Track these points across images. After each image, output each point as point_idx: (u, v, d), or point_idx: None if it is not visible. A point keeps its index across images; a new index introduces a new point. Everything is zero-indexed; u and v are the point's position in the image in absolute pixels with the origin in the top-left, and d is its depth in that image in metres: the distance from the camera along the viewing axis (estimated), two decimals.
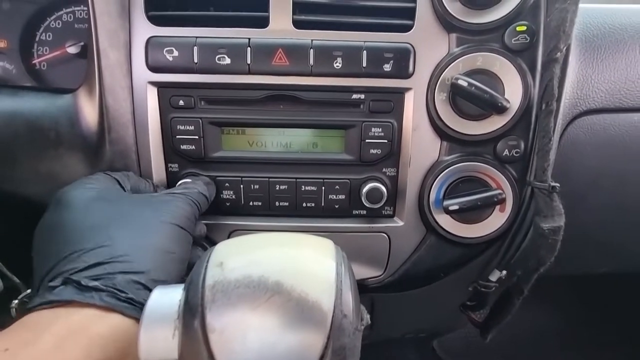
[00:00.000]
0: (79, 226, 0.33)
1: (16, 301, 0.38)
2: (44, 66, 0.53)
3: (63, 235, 0.33)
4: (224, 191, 0.47)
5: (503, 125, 0.44)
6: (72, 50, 0.51)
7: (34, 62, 0.53)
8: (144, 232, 0.34)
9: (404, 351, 0.83)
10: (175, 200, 0.38)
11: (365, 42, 0.43)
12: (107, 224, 0.33)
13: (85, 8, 0.52)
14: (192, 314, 0.19)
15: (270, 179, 0.47)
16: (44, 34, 0.53)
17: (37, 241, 0.35)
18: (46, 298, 0.29)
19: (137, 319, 0.27)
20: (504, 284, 0.52)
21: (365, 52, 0.43)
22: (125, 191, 0.40)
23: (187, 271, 0.36)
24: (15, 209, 0.46)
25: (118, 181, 0.40)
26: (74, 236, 0.32)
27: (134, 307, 0.29)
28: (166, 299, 0.22)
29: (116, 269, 0.30)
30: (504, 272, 0.51)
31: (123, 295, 0.29)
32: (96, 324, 0.28)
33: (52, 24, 0.53)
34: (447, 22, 0.43)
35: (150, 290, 0.28)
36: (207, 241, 0.48)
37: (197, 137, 0.45)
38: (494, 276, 0.51)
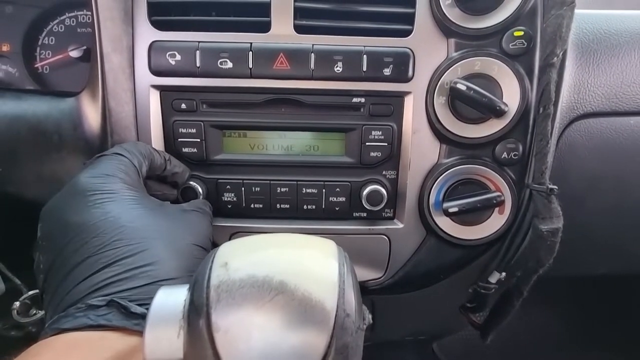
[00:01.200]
0: (121, 231, 0.30)
1: (17, 303, 0.38)
2: (46, 70, 0.54)
3: (99, 236, 0.30)
4: (225, 193, 0.48)
5: (501, 129, 0.45)
6: (74, 54, 0.51)
7: (36, 65, 0.54)
8: (181, 254, 0.32)
9: (404, 353, 0.83)
10: (202, 219, 0.37)
11: (365, 46, 0.43)
12: (149, 237, 0.31)
13: (88, 12, 0.53)
14: (198, 313, 0.20)
15: (271, 182, 0.47)
16: (46, 38, 0.53)
17: (56, 233, 0.31)
18: (93, 320, 0.26)
19: None
20: (504, 285, 0.52)
21: (365, 56, 0.43)
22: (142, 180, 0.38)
23: None
24: (17, 211, 0.46)
25: (137, 170, 0.37)
26: (115, 242, 0.29)
27: None
28: (171, 299, 0.22)
29: None
30: (504, 273, 0.51)
31: None
32: (137, 353, 0.26)
33: (55, 28, 0.53)
34: (445, 27, 0.44)
35: None
36: None
37: (198, 140, 0.45)
38: (494, 278, 0.51)
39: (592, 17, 0.52)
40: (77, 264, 0.29)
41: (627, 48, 0.50)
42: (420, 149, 0.46)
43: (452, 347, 0.88)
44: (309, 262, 0.22)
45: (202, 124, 0.45)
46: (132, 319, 0.27)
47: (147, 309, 0.25)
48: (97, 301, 0.27)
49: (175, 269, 0.30)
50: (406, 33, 0.44)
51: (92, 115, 0.43)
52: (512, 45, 0.44)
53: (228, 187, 0.47)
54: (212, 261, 0.22)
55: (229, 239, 0.48)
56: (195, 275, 0.22)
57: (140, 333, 0.25)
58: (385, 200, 0.46)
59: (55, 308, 0.29)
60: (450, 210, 0.45)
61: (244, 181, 0.47)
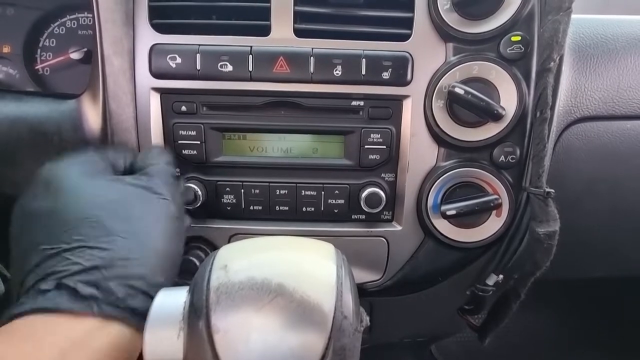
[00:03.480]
0: (72, 215, 0.29)
1: None
2: (46, 71, 0.54)
3: (51, 224, 0.29)
4: (224, 195, 0.48)
5: (499, 132, 0.45)
6: (75, 56, 0.52)
7: (37, 67, 0.54)
8: (144, 231, 0.30)
9: (402, 355, 0.83)
10: (170, 188, 0.35)
11: (364, 50, 0.44)
12: (104, 217, 0.30)
13: (89, 15, 0.53)
14: (197, 315, 0.20)
15: (270, 184, 0.47)
16: (47, 40, 0.54)
17: (17, 228, 0.31)
18: (39, 304, 0.26)
19: (137, 328, 0.26)
20: (501, 287, 0.53)
21: (364, 60, 0.43)
22: (116, 172, 0.37)
23: (179, 270, 0.34)
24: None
25: (111, 162, 0.37)
26: (65, 227, 0.29)
27: (133, 316, 0.27)
28: (171, 301, 0.22)
29: (113, 273, 0.28)
30: (501, 276, 0.51)
31: (122, 303, 0.27)
32: (97, 336, 0.26)
33: (56, 30, 0.54)
34: (444, 32, 0.44)
35: (149, 295, 0.27)
36: (208, 245, 0.49)
37: (198, 142, 0.46)
38: (491, 280, 0.52)
39: (590, 21, 0.52)
40: (28, 252, 0.29)
41: (624, 53, 0.50)
42: (418, 152, 0.47)
43: (450, 349, 0.88)
44: (307, 265, 0.23)
45: (202, 126, 0.45)
46: (81, 302, 0.26)
47: (99, 292, 0.27)
48: (47, 285, 0.27)
49: (130, 249, 0.29)
50: (405, 37, 0.45)
51: (92, 117, 0.43)
52: (509, 50, 0.44)
53: (227, 189, 0.48)
54: (212, 263, 0.22)
55: (228, 241, 0.49)
56: (195, 278, 0.22)
57: (91, 315, 0.26)
58: (383, 203, 0.47)
59: (16, 298, 0.29)
60: (448, 212, 0.45)
61: (244, 183, 0.47)
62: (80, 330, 0.26)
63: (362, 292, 0.52)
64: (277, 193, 0.48)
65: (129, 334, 0.27)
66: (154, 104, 0.45)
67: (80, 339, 0.26)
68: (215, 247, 0.49)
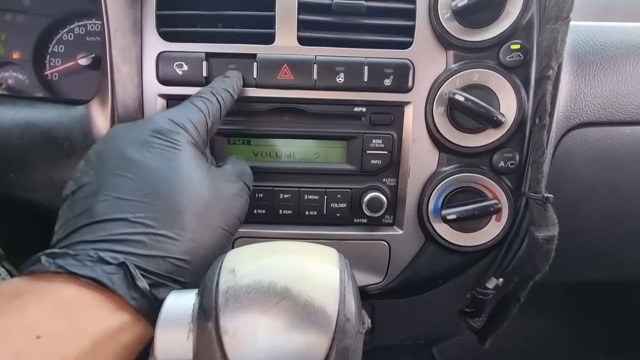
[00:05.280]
0: (161, 187, 0.28)
1: None
2: (55, 77, 0.55)
3: (138, 181, 0.28)
4: None
5: (498, 138, 0.46)
6: (83, 62, 0.52)
7: (46, 73, 0.55)
8: (206, 235, 0.29)
9: (404, 357, 0.84)
10: (242, 196, 0.35)
11: (366, 58, 0.45)
12: (184, 205, 0.28)
13: (97, 21, 0.54)
14: (207, 317, 0.21)
15: (274, 188, 0.48)
16: (56, 46, 0.55)
17: (102, 156, 0.30)
18: (99, 276, 0.24)
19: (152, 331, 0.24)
20: (501, 291, 0.53)
21: (366, 67, 0.44)
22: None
23: None
24: (27, 215, 0.47)
25: (207, 128, 0.35)
26: (151, 196, 0.27)
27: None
28: (180, 303, 0.23)
29: (170, 271, 0.26)
30: (501, 279, 0.52)
31: (158, 304, 0.25)
32: (128, 329, 0.25)
33: (65, 37, 0.55)
34: (444, 40, 0.45)
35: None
36: None
37: None
38: (491, 283, 0.52)
39: (589, 29, 0.53)
40: (105, 198, 0.28)
41: (623, 59, 0.51)
42: (419, 157, 0.47)
43: (451, 351, 0.88)
44: (311, 268, 0.23)
45: None
46: (133, 292, 0.25)
47: (149, 283, 0.25)
48: (110, 257, 0.26)
49: (192, 250, 0.28)
50: (406, 45, 0.45)
51: (101, 123, 0.44)
52: (509, 58, 0.45)
53: None
54: (220, 267, 0.23)
55: (233, 245, 0.49)
56: (204, 281, 0.23)
57: (132, 310, 0.25)
58: (385, 207, 0.48)
59: (65, 233, 0.28)
60: (449, 217, 0.46)
61: None
62: (117, 321, 0.25)
63: (364, 294, 0.53)
64: (281, 197, 0.48)
65: (147, 336, 0.26)
66: (161, 110, 0.46)
67: (114, 331, 0.24)
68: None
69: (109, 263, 0.25)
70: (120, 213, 0.27)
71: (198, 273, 0.28)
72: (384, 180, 0.49)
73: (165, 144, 0.31)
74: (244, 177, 0.37)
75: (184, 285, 0.28)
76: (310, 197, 0.48)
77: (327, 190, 0.48)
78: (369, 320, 0.24)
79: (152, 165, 0.29)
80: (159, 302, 0.25)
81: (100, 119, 0.45)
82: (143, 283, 0.26)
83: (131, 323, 0.25)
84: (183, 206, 0.29)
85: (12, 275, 0.45)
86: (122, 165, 0.29)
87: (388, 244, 0.50)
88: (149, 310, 0.26)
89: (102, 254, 0.26)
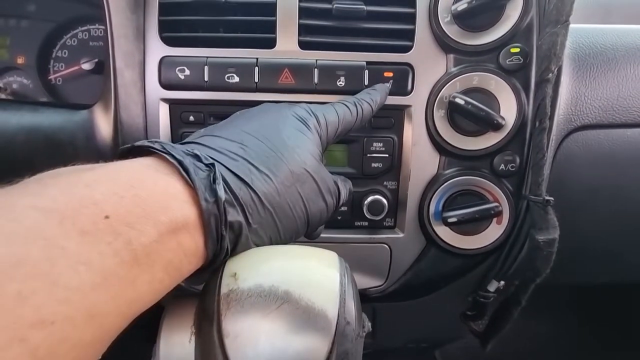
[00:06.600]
0: (284, 147, 0.30)
1: None
2: (59, 81, 0.56)
3: (266, 142, 0.30)
4: None
5: (499, 141, 0.46)
6: (86, 66, 0.53)
7: (49, 77, 0.55)
8: (292, 207, 0.29)
9: None
10: (327, 205, 0.34)
11: (367, 61, 0.45)
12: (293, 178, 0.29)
13: (100, 26, 0.55)
14: (209, 320, 0.21)
15: None
16: (60, 51, 0.55)
17: (248, 115, 0.34)
18: (183, 168, 0.24)
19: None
20: (502, 294, 0.53)
21: (366, 71, 0.45)
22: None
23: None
24: None
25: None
26: (273, 154, 0.29)
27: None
28: (183, 307, 0.23)
29: (245, 203, 0.26)
30: (502, 282, 0.52)
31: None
32: (185, 236, 0.23)
33: (68, 42, 0.55)
34: (444, 44, 0.45)
35: None
36: None
37: None
38: (492, 286, 0.52)
39: (589, 31, 0.53)
40: (227, 128, 0.31)
41: (624, 62, 0.51)
42: (420, 160, 0.48)
43: (454, 354, 0.88)
44: (312, 272, 0.24)
45: None
46: (208, 194, 0.24)
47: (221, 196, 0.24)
48: (203, 156, 0.26)
49: (272, 201, 0.28)
50: (406, 49, 0.46)
51: (104, 127, 0.45)
52: (508, 61, 0.45)
53: None
54: (222, 271, 0.23)
55: None
56: (205, 284, 0.24)
57: (199, 212, 0.23)
58: (386, 210, 0.48)
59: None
60: (450, 220, 0.46)
61: None
62: (183, 217, 0.23)
63: (365, 297, 0.53)
64: None
65: (197, 258, 0.24)
66: (163, 114, 0.46)
67: (178, 226, 0.22)
68: None
69: (200, 160, 0.25)
70: (232, 137, 0.30)
71: (257, 233, 0.27)
72: (384, 183, 0.49)
73: (298, 122, 0.34)
74: (340, 195, 0.37)
75: (240, 228, 0.26)
76: None
77: None
78: (370, 324, 0.24)
79: (280, 126, 0.33)
80: (221, 221, 0.24)
81: (103, 123, 0.45)
82: (221, 189, 0.24)
83: (192, 227, 0.23)
84: (290, 165, 0.30)
85: None
86: (256, 123, 0.33)
87: (389, 247, 0.50)
88: (209, 220, 0.24)
89: (197, 151, 0.26)
